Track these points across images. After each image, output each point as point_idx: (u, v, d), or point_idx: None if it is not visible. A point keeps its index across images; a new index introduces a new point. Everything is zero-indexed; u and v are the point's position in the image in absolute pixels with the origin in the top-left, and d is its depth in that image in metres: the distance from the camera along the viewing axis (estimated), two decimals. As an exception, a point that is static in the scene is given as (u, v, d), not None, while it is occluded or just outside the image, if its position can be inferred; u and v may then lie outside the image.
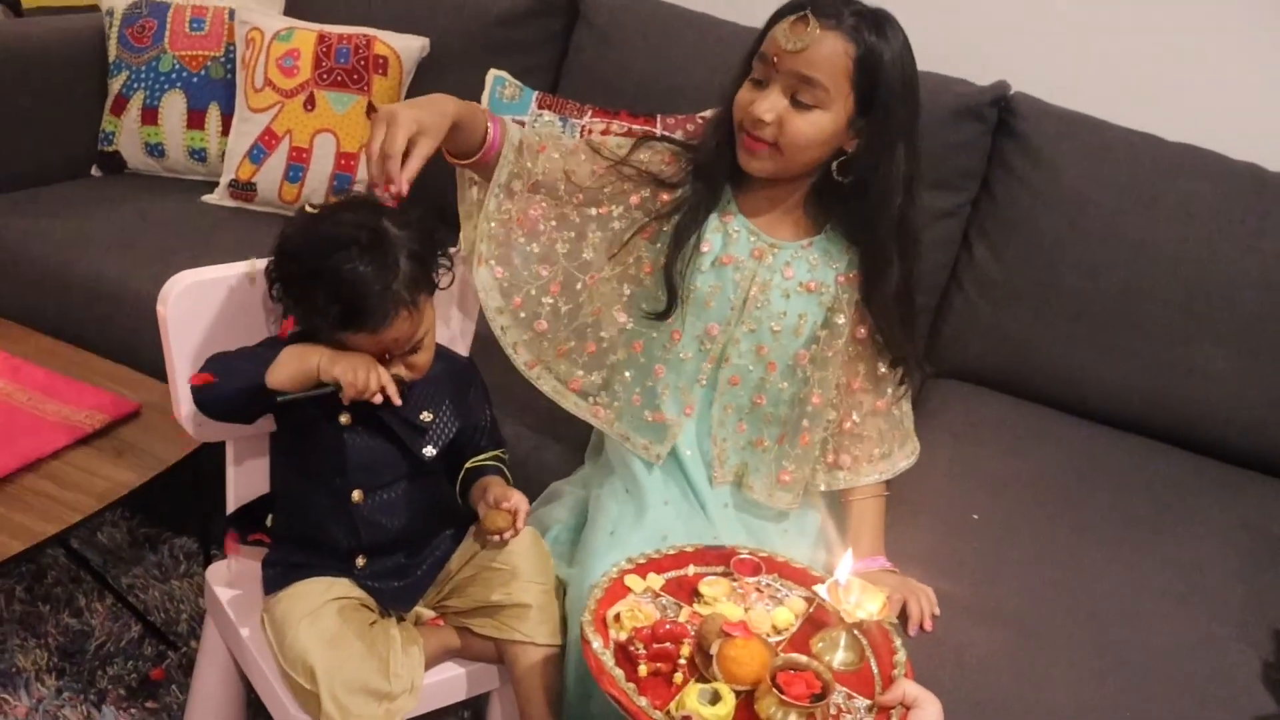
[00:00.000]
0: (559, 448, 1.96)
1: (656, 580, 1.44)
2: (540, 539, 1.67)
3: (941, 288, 2.34)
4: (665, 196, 1.70)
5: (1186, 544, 1.89)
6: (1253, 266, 2.13)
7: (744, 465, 1.75)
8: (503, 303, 1.72)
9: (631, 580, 1.43)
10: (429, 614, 1.66)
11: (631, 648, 1.29)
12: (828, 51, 1.53)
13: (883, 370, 1.74)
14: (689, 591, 1.44)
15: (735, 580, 1.47)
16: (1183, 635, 1.67)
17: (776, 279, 1.67)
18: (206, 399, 1.49)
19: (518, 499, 1.59)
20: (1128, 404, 2.24)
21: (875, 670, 1.36)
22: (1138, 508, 1.97)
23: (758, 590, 1.46)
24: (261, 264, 1.55)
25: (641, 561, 1.47)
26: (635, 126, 2.30)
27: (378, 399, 1.44)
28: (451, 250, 1.60)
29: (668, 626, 1.31)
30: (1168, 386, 2.20)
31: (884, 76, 1.55)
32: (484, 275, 1.70)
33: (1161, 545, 1.87)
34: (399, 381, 1.48)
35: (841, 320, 1.69)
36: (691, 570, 1.48)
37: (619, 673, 1.26)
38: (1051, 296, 2.24)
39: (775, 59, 1.55)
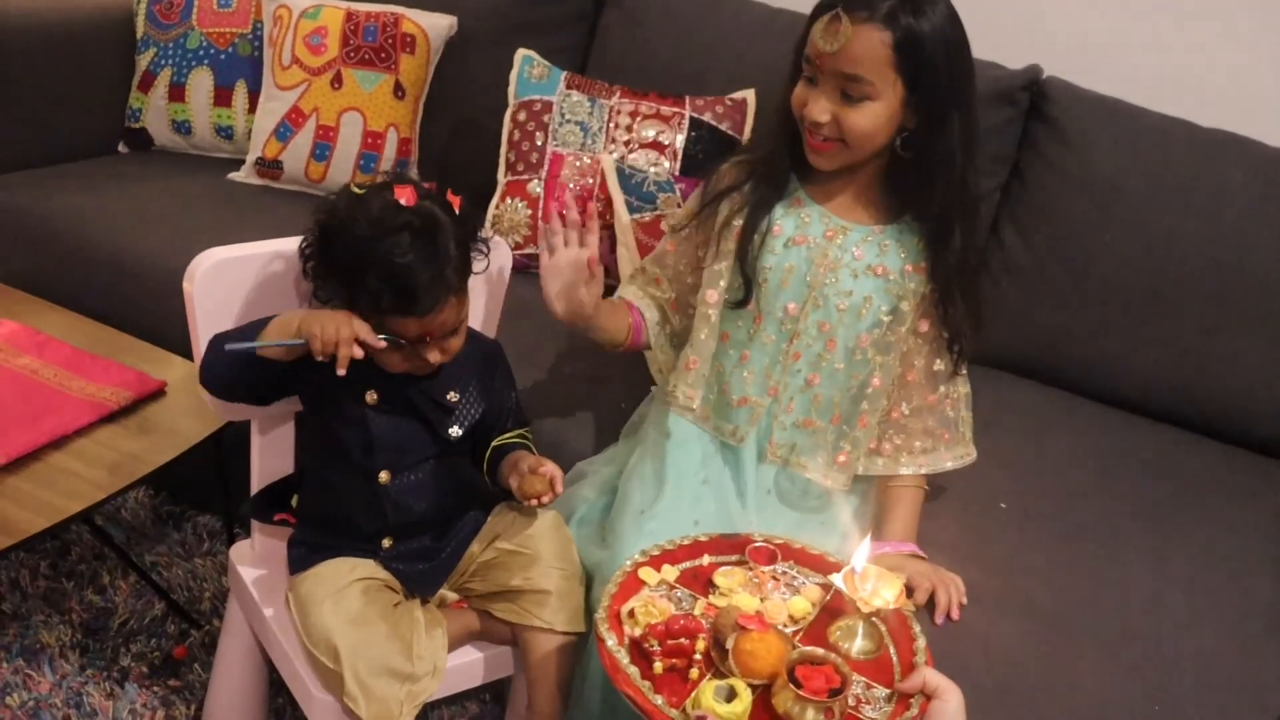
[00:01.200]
0: (586, 429, 1.95)
1: (671, 572, 1.42)
2: (562, 524, 1.67)
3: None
4: (737, 199, 1.72)
5: (1216, 535, 1.87)
6: (1286, 254, 2.10)
7: (792, 445, 1.74)
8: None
9: (645, 573, 1.41)
10: (453, 596, 1.66)
11: (646, 644, 1.28)
12: (865, 46, 1.52)
13: (939, 366, 1.73)
14: (704, 582, 1.43)
15: (751, 569, 1.45)
16: (1212, 628, 1.65)
17: (846, 258, 1.67)
18: (205, 377, 1.50)
19: (552, 466, 1.58)
20: (1157, 393, 2.21)
21: (895, 658, 1.34)
22: (1167, 498, 1.95)
23: (774, 579, 1.44)
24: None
25: (655, 553, 1.45)
26: (663, 108, 2.28)
27: (344, 357, 1.41)
28: (482, 234, 1.59)
29: (682, 622, 1.30)
30: (1198, 376, 2.17)
31: (927, 54, 1.53)
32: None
33: (1191, 536, 1.85)
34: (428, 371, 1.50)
35: (906, 308, 1.68)
36: (707, 560, 1.47)
37: (634, 670, 1.25)
38: (1081, 283, 2.22)
39: (817, 60, 1.55)
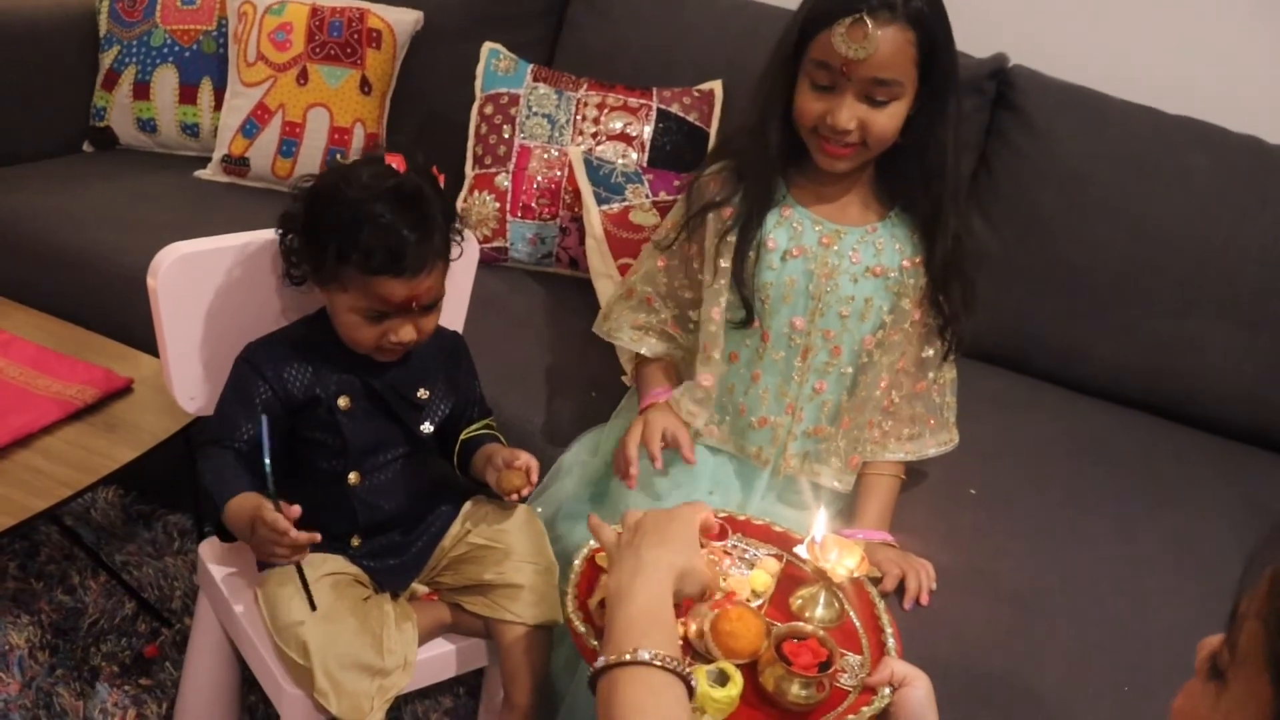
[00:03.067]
0: (557, 421, 1.94)
1: None
2: (535, 517, 1.66)
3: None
4: (727, 213, 1.68)
5: (1185, 519, 1.88)
6: (1252, 240, 2.12)
7: (804, 454, 1.73)
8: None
9: (603, 559, 1.41)
10: (423, 590, 1.65)
11: None
12: (893, 48, 1.49)
13: (928, 353, 1.73)
14: None
15: (704, 546, 1.45)
16: (1180, 611, 1.66)
17: (844, 264, 1.64)
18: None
19: (527, 457, 1.58)
20: (1127, 379, 2.23)
21: (858, 624, 1.36)
22: (1137, 483, 1.97)
23: (727, 553, 1.45)
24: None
25: None
26: (630, 100, 2.27)
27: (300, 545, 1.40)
28: (463, 235, 1.60)
29: None
30: (1167, 361, 2.19)
31: (936, 42, 1.52)
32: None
33: (1160, 520, 1.86)
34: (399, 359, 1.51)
35: (907, 304, 1.67)
36: None
37: None
38: (1049, 271, 2.23)
39: (843, 67, 1.50)
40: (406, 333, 1.49)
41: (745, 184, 1.67)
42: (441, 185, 1.53)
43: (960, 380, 1.82)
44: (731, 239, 1.66)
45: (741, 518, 1.51)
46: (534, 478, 1.56)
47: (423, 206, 1.46)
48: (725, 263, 1.66)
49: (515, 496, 1.55)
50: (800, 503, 1.73)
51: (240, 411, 1.52)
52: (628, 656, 1.12)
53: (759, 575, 1.40)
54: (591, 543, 1.44)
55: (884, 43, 1.47)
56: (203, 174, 2.58)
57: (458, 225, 1.56)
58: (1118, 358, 2.22)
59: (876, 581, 1.53)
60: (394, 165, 1.47)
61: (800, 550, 1.36)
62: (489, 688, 1.74)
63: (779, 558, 1.45)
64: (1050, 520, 1.81)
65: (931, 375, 1.75)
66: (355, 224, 1.42)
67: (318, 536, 1.39)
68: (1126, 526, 1.83)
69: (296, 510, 1.39)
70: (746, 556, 1.46)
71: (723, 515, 1.51)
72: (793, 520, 1.63)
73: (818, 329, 1.66)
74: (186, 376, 1.60)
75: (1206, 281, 2.14)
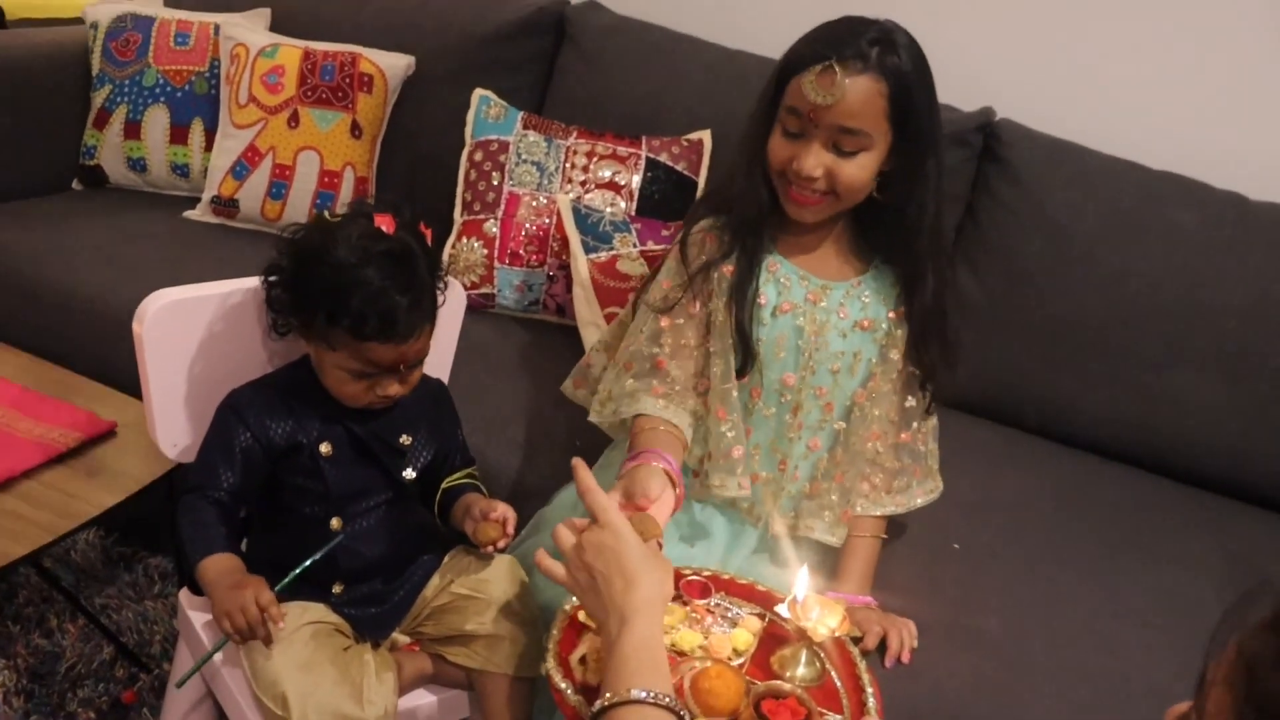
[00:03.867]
0: (541, 470, 1.94)
1: None
2: (518, 567, 1.65)
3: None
4: (728, 270, 1.64)
5: (1168, 573, 1.88)
6: (1235, 295, 2.14)
7: (797, 512, 1.71)
8: None
9: (585, 616, 1.41)
10: (404, 639, 1.64)
11: None
12: (862, 98, 1.48)
13: (910, 403, 1.72)
14: None
15: (687, 604, 1.45)
16: (1163, 665, 1.66)
17: (833, 319, 1.64)
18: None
19: (504, 508, 1.57)
20: (1109, 431, 2.24)
21: (839, 684, 1.35)
22: (1119, 536, 1.97)
23: (709, 612, 1.45)
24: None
25: None
26: (619, 148, 2.29)
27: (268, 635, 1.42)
28: (447, 285, 1.60)
29: None
30: (1149, 415, 2.20)
31: (914, 98, 1.51)
32: None
33: (1143, 574, 1.87)
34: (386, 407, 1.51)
35: (895, 356, 1.66)
36: None
37: None
38: (1034, 323, 2.24)
39: (810, 114, 1.50)
40: (394, 390, 1.49)
41: (741, 237, 1.64)
42: (429, 241, 1.52)
43: (944, 432, 1.82)
44: (734, 296, 1.63)
45: (725, 576, 1.51)
46: (510, 529, 1.56)
47: (413, 270, 1.45)
48: (723, 316, 1.64)
49: (491, 549, 1.55)
50: (786, 560, 1.73)
51: (221, 460, 1.51)
52: (625, 695, 1.13)
53: (740, 634, 1.39)
54: (573, 599, 1.43)
55: (852, 91, 1.47)
56: (192, 214, 2.58)
57: (442, 274, 1.56)
58: (1101, 410, 2.23)
59: (858, 641, 1.53)
60: (383, 227, 1.45)
61: (782, 609, 1.35)
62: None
63: (761, 617, 1.44)
64: (1033, 575, 1.81)
65: (915, 425, 1.74)
66: (346, 289, 1.41)
67: (282, 623, 1.41)
68: (1109, 581, 1.83)
69: (283, 616, 1.41)
70: (729, 615, 1.45)
71: (706, 574, 1.50)
72: (775, 579, 1.61)
73: (809, 386, 1.66)
74: (170, 422, 1.60)
75: (1190, 336, 2.16)
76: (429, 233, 1.52)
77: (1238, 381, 2.15)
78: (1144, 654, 1.67)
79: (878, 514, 1.74)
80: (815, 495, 1.71)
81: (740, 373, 1.63)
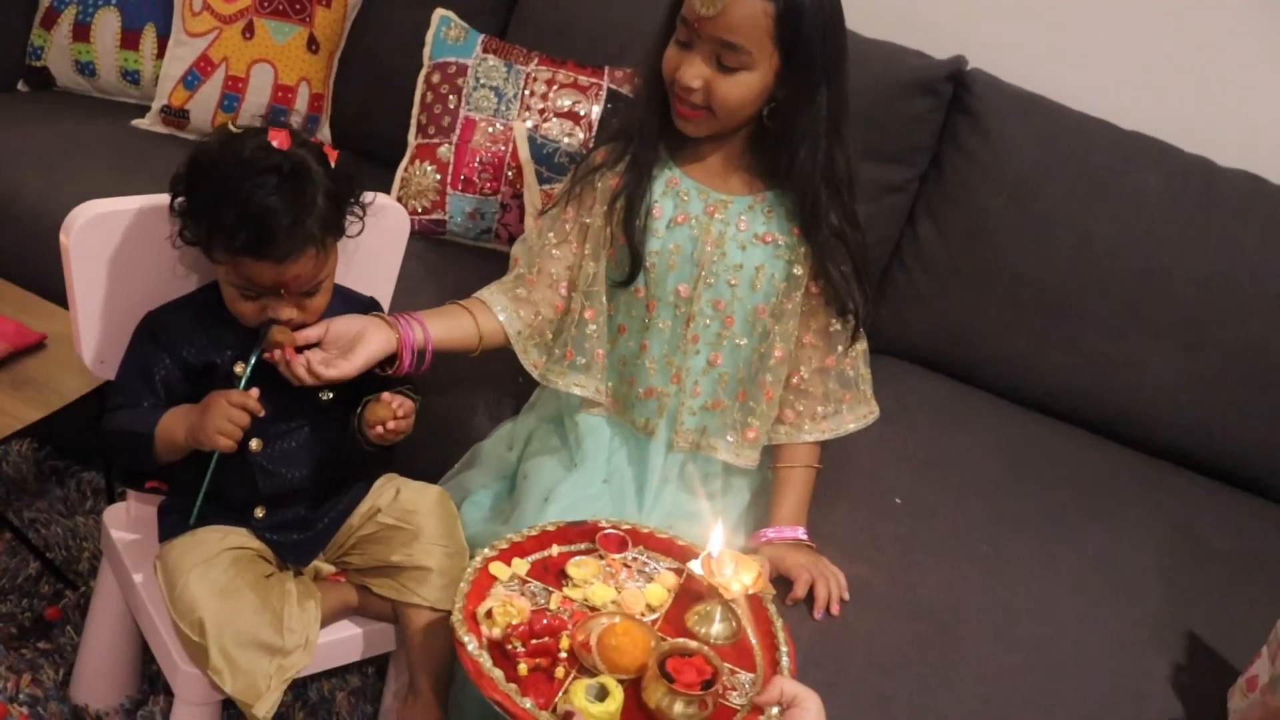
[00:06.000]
0: (480, 407, 1.92)
1: (522, 565, 1.40)
2: (447, 500, 1.63)
3: (883, 263, 2.29)
4: (613, 181, 1.67)
5: (1110, 540, 1.87)
6: (1197, 262, 2.11)
7: (701, 429, 1.71)
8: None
9: (496, 568, 1.38)
10: (329, 569, 1.62)
11: (509, 646, 1.25)
12: (745, 14, 1.49)
13: (835, 326, 1.70)
14: (556, 574, 1.41)
15: (603, 558, 1.43)
16: (1098, 635, 1.65)
17: (731, 231, 1.64)
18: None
19: (404, 398, 1.52)
20: (1062, 393, 2.21)
21: (754, 642, 1.34)
22: (1064, 500, 1.95)
23: (625, 566, 1.42)
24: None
25: (504, 546, 1.42)
26: (581, 78, 2.23)
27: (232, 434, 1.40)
28: (365, 199, 1.55)
29: (545, 620, 1.28)
30: (1103, 378, 2.18)
31: (805, 26, 1.51)
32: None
33: (1084, 540, 1.85)
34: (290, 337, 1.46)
35: (799, 272, 1.66)
36: (556, 550, 1.44)
37: (498, 674, 1.22)
38: (993, 279, 2.21)
39: (695, 24, 1.51)
40: (285, 311, 1.45)
41: (631, 149, 1.66)
42: (334, 163, 1.47)
43: (896, 385, 1.81)
44: (620, 204, 1.65)
45: (645, 530, 1.48)
46: (400, 414, 1.50)
47: (301, 188, 1.40)
48: (615, 227, 1.65)
49: (380, 430, 1.49)
50: (708, 489, 1.72)
51: (142, 386, 1.49)
52: None
53: (654, 589, 1.38)
54: (486, 550, 1.40)
55: (735, 6, 1.48)
56: (140, 123, 2.50)
57: (359, 204, 1.52)
58: (1056, 371, 2.21)
59: (781, 597, 1.52)
60: (275, 141, 1.41)
61: (695, 565, 1.33)
62: (395, 671, 1.71)
63: (679, 572, 1.42)
64: (974, 536, 1.79)
65: (841, 349, 1.72)
66: (223, 203, 1.38)
67: (261, 410, 1.41)
68: (1050, 546, 1.82)
69: (255, 392, 1.42)
70: (646, 570, 1.43)
71: (626, 527, 1.48)
72: (689, 514, 1.63)
73: (705, 297, 1.66)
74: (96, 339, 1.55)
75: (1149, 300, 2.13)
76: (334, 154, 1.47)
77: (1194, 350, 2.12)
78: (1077, 622, 1.66)
79: (808, 440, 1.72)
80: (717, 411, 1.70)
81: (626, 282, 1.65)
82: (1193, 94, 2.29)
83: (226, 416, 1.38)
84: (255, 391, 1.40)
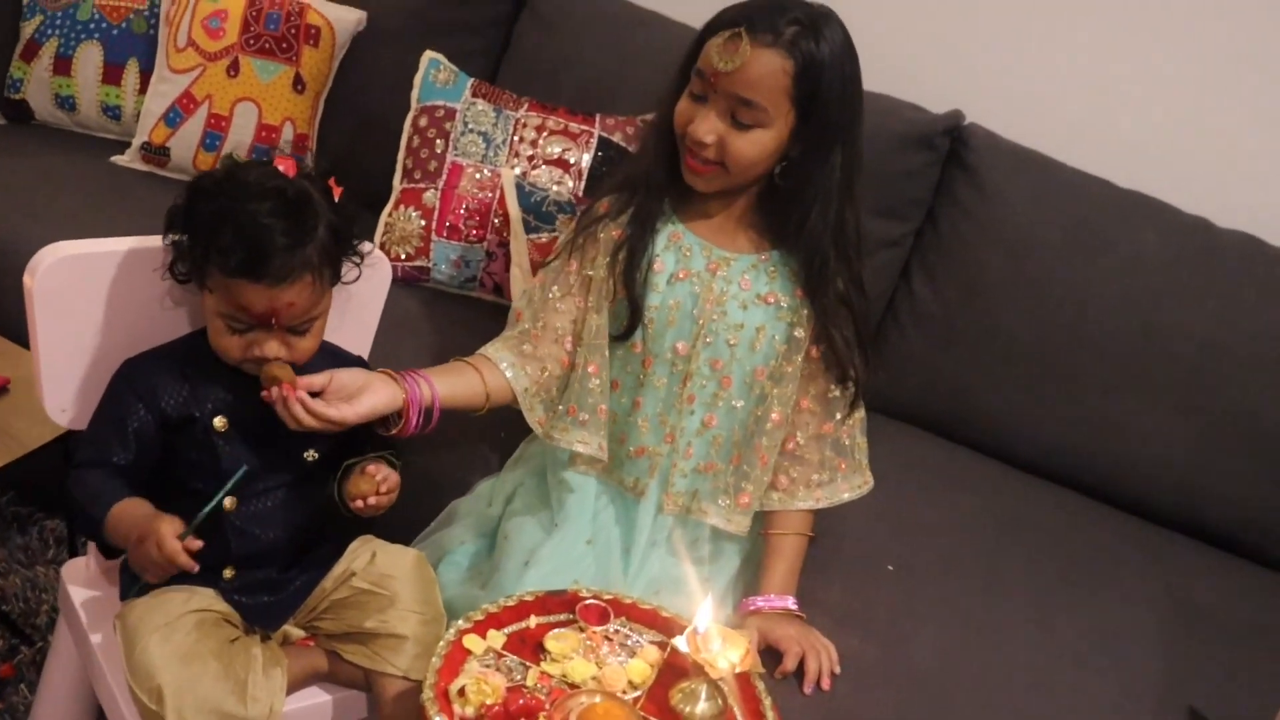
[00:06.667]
0: (462, 463, 1.86)
1: (498, 638, 1.33)
2: (425, 564, 1.56)
3: (877, 319, 2.25)
4: (616, 232, 1.63)
5: (1106, 608, 1.83)
6: (1195, 324, 2.07)
7: (693, 492, 1.66)
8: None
9: (470, 641, 1.31)
10: (298, 633, 1.55)
11: None
12: (764, 71, 1.46)
13: (834, 393, 1.66)
14: (534, 647, 1.34)
15: (583, 630, 1.37)
16: (1095, 708, 1.61)
17: (733, 289, 1.61)
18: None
19: (389, 470, 1.47)
20: (1057, 455, 2.17)
21: None
22: (1059, 566, 1.90)
23: (607, 639, 1.36)
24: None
25: (479, 618, 1.35)
26: (571, 124, 2.18)
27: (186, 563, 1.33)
28: (364, 248, 1.51)
29: (521, 700, 1.22)
30: (1099, 440, 2.14)
31: (824, 86, 1.49)
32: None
33: (1081, 608, 1.81)
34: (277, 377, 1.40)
35: (801, 335, 1.62)
36: (534, 622, 1.37)
37: None
38: (989, 337, 2.17)
39: (712, 78, 1.49)
40: (271, 348, 1.39)
41: (636, 201, 1.63)
42: (337, 199, 1.44)
43: (887, 445, 1.76)
44: (622, 255, 1.61)
45: (628, 600, 1.42)
46: (385, 489, 1.45)
47: (302, 214, 1.37)
48: (615, 280, 1.62)
49: (360, 504, 1.44)
50: (695, 555, 1.67)
51: (114, 437, 1.43)
52: None
53: (637, 665, 1.31)
54: (460, 622, 1.34)
55: (754, 62, 1.46)
56: (120, 160, 2.45)
57: (356, 246, 1.48)
58: (1049, 432, 2.16)
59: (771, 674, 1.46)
60: (282, 168, 1.39)
61: (680, 641, 1.26)
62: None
63: (662, 646, 1.35)
64: (968, 603, 1.74)
65: (839, 416, 1.68)
66: (221, 223, 1.35)
67: (196, 567, 1.34)
68: (1045, 614, 1.77)
69: (197, 544, 1.33)
70: (629, 644, 1.36)
71: (607, 597, 1.41)
72: (676, 580, 1.59)
73: (703, 356, 1.62)
74: (59, 386, 1.49)
75: (1146, 361, 2.09)
76: (339, 191, 1.44)
77: (1190, 413, 2.08)
78: (1075, 694, 1.62)
79: (801, 508, 1.67)
80: (710, 475, 1.66)
81: (624, 336, 1.61)
82: (1191, 154, 2.26)
83: (153, 562, 1.33)
84: (195, 544, 1.33)
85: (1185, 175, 2.23)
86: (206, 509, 1.34)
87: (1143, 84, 2.27)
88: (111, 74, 2.50)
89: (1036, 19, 2.31)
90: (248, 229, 1.34)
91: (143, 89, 2.48)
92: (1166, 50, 2.24)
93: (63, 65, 2.49)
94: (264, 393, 1.40)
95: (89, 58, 2.49)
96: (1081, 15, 2.28)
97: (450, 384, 1.57)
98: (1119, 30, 2.26)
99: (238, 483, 1.36)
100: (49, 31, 2.48)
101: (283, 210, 1.36)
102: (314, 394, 1.42)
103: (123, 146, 2.48)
